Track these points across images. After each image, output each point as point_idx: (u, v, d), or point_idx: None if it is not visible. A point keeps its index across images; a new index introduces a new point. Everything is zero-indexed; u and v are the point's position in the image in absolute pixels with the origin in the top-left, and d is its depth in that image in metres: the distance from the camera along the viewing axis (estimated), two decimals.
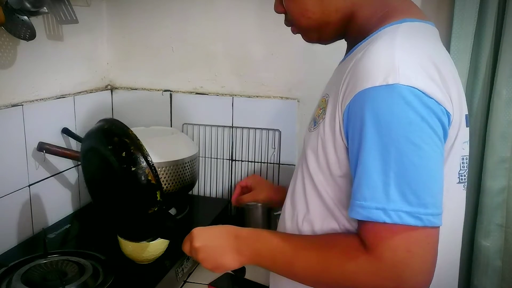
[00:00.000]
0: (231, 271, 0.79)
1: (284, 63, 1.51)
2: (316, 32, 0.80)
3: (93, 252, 1.14)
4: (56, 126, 1.37)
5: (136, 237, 0.95)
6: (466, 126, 0.75)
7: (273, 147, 1.55)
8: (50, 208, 1.36)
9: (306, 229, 0.77)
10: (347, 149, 0.69)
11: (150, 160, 0.85)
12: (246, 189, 1.14)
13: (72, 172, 1.45)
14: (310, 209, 0.77)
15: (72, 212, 1.46)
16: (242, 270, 0.81)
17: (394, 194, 0.61)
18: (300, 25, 0.80)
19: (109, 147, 0.85)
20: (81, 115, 1.47)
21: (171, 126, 1.62)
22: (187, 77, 1.60)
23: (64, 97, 1.40)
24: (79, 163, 1.44)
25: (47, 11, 1.15)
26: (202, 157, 1.61)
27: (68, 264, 1.08)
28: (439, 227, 0.63)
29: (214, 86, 1.58)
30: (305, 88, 1.50)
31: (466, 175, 0.76)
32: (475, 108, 1.33)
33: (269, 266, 0.74)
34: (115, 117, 1.61)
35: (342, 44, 0.83)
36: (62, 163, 1.39)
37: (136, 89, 1.65)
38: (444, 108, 0.65)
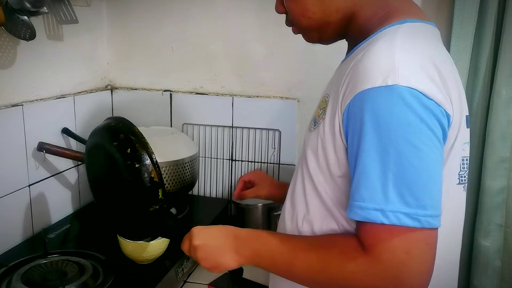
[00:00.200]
0: (228, 271, 0.79)
1: (284, 63, 1.51)
2: (316, 32, 0.80)
3: (93, 252, 1.14)
4: (56, 126, 1.37)
5: (136, 236, 0.95)
6: (467, 127, 0.75)
7: (273, 147, 1.55)
8: (50, 208, 1.36)
9: (305, 229, 0.77)
10: (346, 149, 0.69)
11: (154, 158, 0.85)
12: (248, 184, 1.14)
13: (72, 172, 1.45)
14: (310, 209, 0.77)
15: (72, 212, 1.46)
16: (239, 271, 0.81)
17: (393, 195, 0.61)
18: (300, 25, 0.80)
19: (115, 143, 0.86)
20: (81, 115, 1.47)
21: (171, 126, 1.62)
22: (187, 77, 1.60)
23: (64, 97, 1.40)
24: (79, 163, 1.45)
25: (47, 11, 1.15)
26: (202, 157, 1.61)
27: (68, 264, 1.08)
28: (437, 228, 0.63)
29: (214, 86, 1.58)
30: (305, 88, 1.50)
31: (467, 176, 0.76)
32: (475, 108, 1.33)
33: (268, 266, 0.74)
34: None
35: (342, 44, 0.83)
36: (62, 163, 1.39)
37: (136, 89, 1.65)
38: (444, 109, 0.64)
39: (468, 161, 0.76)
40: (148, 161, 0.84)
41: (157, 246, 1.09)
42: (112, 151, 0.86)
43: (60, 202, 1.41)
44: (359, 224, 0.66)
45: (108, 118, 0.95)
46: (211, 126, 1.59)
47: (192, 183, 1.43)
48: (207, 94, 1.58)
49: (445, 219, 0.65)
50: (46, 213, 1.35)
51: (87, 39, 1.52)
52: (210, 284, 1.15)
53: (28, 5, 1.07)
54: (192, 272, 1.24)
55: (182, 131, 1.60)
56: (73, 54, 1.45)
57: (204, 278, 1.19)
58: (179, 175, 1.35)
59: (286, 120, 1.52)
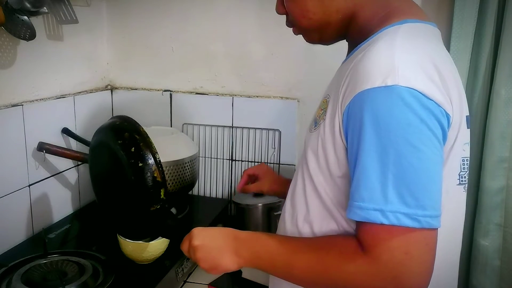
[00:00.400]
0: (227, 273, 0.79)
1: (284, 63, 1.51)
2: (317, 33, 0.80)
3: (93, 252, 1.15)
4: (56, 126, 1.37)
5: (137, 236, 0.95)
6: (467, 128, 0.75)
7: (273, 147, 1.55)
8: (50, 208, 1.36)
9: (305, 230, 0.77)
10: (346, 149, 0.69)
11: (158, 158, 0.86)
12: (253, 178, 1.15)
13: (72, 172, 1.45)
14: (310, 210, 0.77)
15: (72, 212, 1.46)
16: (238, 272, 0.81)
17: (392, 196, 0.61)
18: (301, 26, 0.80)
19: (119, 142, 0.86)
20: (81, 115, 1.47)
21: (171, 126, 1.62)
22: (187, 77, 1.60)
23: (64, 97, 1.40)
24: (79, 163, 1.45)
25: (47, 11, 1.15)
26: (202, 157, 1.61)
27: (68, 264, 1.08)
28: (437, 229, 0.63)
29: (214, 86, 1.58)
30: (305, 88, 1.50)
31: (467, 177, 0.76)
32: (474, 107, 1.33)
33: (267, 268, 0.74)
34: None
35: (342, 44, 0.83)
36: (62, 163, 1.39)
37: (136, 89, 1.65)
38: (444, 109, 0.64)
39: (468, 162, 0.76)
40: (151, 161, 0.85)
41: (157, 246, 1.09)
42: (116, 149, 0.86)
43: (60, 202, 1.41)
44: (359, 224, 0.66)
45: (114, 117, 0.96)
46: (211, 126, 1.59)
47: (192, 183, 1.43)
48: (207, 94, 1.59)
49: (445, 219, 0.65)
50: (46, 213, 1.35)
51: (87, 39, 1.52)
52: (210, 284, 1.16)
53: (28, 5, 1.07)
54: (192, 272, 1.24)
55: (182, 131, 1.60)
56: (73, 54, 1.45)
57: (204, 278, 1.19)
58: (179, 175, 1.35)
59: (286, 120, 1.52)
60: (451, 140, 0.69)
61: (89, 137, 1.42)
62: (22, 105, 1.23)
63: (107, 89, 1.64)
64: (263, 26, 1.50)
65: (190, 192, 1.54)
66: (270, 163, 1.56)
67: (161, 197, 0.84)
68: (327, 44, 0.84)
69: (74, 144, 1.43)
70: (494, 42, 1.30)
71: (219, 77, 1.57)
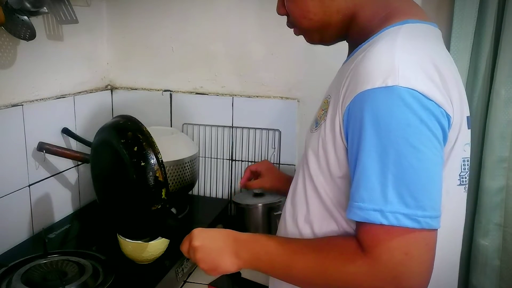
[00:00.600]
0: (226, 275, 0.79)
1: (284, 63, 1.51)
2: (318, 33, 0.80)
3: (93, 252, 1.15)
4: (56, 126, 1.37)
5: (137, 235, 0.95)
6: (468, 128, 0.75)
7: (273, 147, 1.55)
8: (50, 208, 1.36)
9: (306, 230, 0.77)
10: (346, 150, 0.69)
11: (160, 158, 0.86)
12: (255, 174, 1.15)
13: (72, 172, 1.45)
14: (310, 210, 0.77)
15: (72, 212, 1.46)
16: (236, 273, 0.81)
17: (392, 196, 0.61)
18: (302, 27, 0.80)
19: (122, 141, 0.87)
20: (81, 115, 1.47)
21: (171, 126, 1.62)
22: (187, 77, 1.60)
23: (64, 97, 1.40)
24: (79, 163, 1.45)
25: (47, 11, 1.15)
26: (202, 157, 1.61)
27: (68, 264, 1.08)
28: (437, 229, 0.63)
29: (214, 86, 1.58)
30: (305, 88, 1.50)
31: (467, 177, 0.76)
32: (474, 107, 1.33)
33: (267, 270, 0.74)
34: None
35: (342, 44, 0.84)
36: (62, 163, 1.39)
37: (136, 89, 1.65)
38: (444, 110, 0.64)
39: (469, 162, 0.76)
40: (154, 160, 0.85)
41: (157, 246, 1.09)
42: (119, 148, 0.86)
43: (60, 202, 1.41)
44: (359, 225, 0.66)
45: (117, 116, 0.96)
46: (211, 126, 1.59)
47: (192, 183, 1.43)
48: (207, 94, 1.59)
49: (445, 219, 0.65)
50: (46, 213, 1.35)
51: (87, 39, 1.52)
52: (210, 284, 1.16)
53: (28, 5, 1.07)
54: (192, 272, 1.24)
55: (182, 131, 1.60)
56: (73, 54, 1.45)
57: (204, 278, 1.19)
58: (179, 175, 1.35)
59: (286, 120, 1.52)
60: (451, 141, 0.69)
61: (89, 137, 1.42)
62: (22, 105, 1.23)
63: (107, 89, 1.64)
64: (263, 26, 1.50)
65: (190, 192, 1.54)
66: None
67: (162, 197, 0.84)
68: (328, 45, 0.84)
69: (74, 144, 1.43)
70: (494, 42, 1.30)
71: (219, 77, 1.57)
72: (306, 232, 0.77)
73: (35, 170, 1.28)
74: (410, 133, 0.61)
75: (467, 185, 0.77)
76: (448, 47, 1.28)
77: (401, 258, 0.61)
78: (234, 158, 1.59)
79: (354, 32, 0.77)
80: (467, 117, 0.75)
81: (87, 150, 1.39)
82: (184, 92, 1.60)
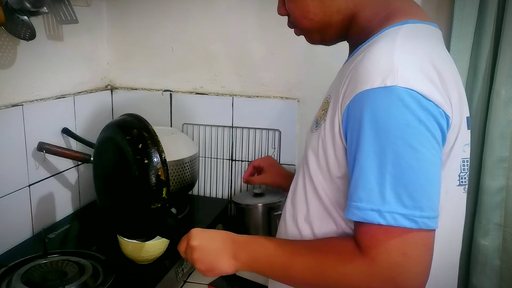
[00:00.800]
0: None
1: (284, 63, 1.51)
2: (318, 34, 0.80)
3: (93, 252, 1.15)
4: (56, 126, 1.37)
5: (135, 234, 0.95)
6: (467, 129, 0.75)
7: (273, 147, 1.55)
8: (50, 208, 1.36)
9: (305, 230, 0.78)
10: (346, 150, 0.69)
11: (164, 157, 0.87)
12: (258, 169, 1.16)
13: (72, 172, 1.45)
14: (310, 210, 0.77)
15: (72, 212, 1.46)
16: (232, 275, 0.81)
17: (390, 196, 0.61)
18: (302, 27, 0.80)
19: (127, 138, 0.87)
20: (81, 115, 1.47)
21: (171, 126, 1.62)
22: (187, 77, 1.60)
23: (64, 97, 1.40)
24: (79, 163, 1.45)
25: (47, 11, 1.15)
26: (202, 157, 1.61)
27: (68, 264, 1.08)
28: (435, 230, 0.63)
29: (214, 86, 1.58)
30: (305, 88, 1.50)
31: (467, 178, 0.76)
32: (474, 108, 1.33)
33: (266, 271, 0.74)
34: (114, 117, 1.61)
35: (342, 44, 0.84)
36: (62, 163, 1.39)
37: (136, 89, 1.65)
38: (443, 110, 0.64)
39: (468, 163, 0.76)
40: (157, 159, 0.85)
41: (157, 246, 1.09)
42: (124, 145, 0.87)
43: (60, 202, 1.41)
44: (357, 225, 0.66)
45: (124, 114, 0.97)
46: (211, 126, 1.59)
47: (192, 183, 1.43)
48: (207, 94, 1.59)
49: (445, 220, 0.65)
50: (46, 213, 1.35)
51: (87, 39, 1.52)
52: (210, 284, 1.16)
53: (28, 5, 1.07)
54: (192, 272, 1.24)
55: (182, 131, 1.60)
56: (73, 54, 1.45)
57: (204, 278, 1.19)
58: (179, 175, 1.35)
59: (286, 120, 1.52)
60: (450, 141, 0.69)
61: (89, 137, 1.43)
62: (22, 105, 1.23)
63: (107, 89, 1.64)
64: (263, 26, 1.50)
65: (190, 192, 1.54)
66: None
67: (163, 196, 0.85)
68: (329, 45, 0.84)
69: (74, 144, 1.43)
70: (494, 42, 1.30)
71: (219, 77, 1.57)
72: (306, 232, 0.77)
73: (35, 170, 1.28)
74: (409, 133, 0.61)
75: (466, 186, 0.77)
76: (448, 47, 1.28)
77: (399, 258, 0.61)
78: (234, 158, 1.59)
79: (355, 32, 0.77)
80: (467, 117, 0.74)
81: (87, 150, 1.39)
82: (184, 92, 1.60)
